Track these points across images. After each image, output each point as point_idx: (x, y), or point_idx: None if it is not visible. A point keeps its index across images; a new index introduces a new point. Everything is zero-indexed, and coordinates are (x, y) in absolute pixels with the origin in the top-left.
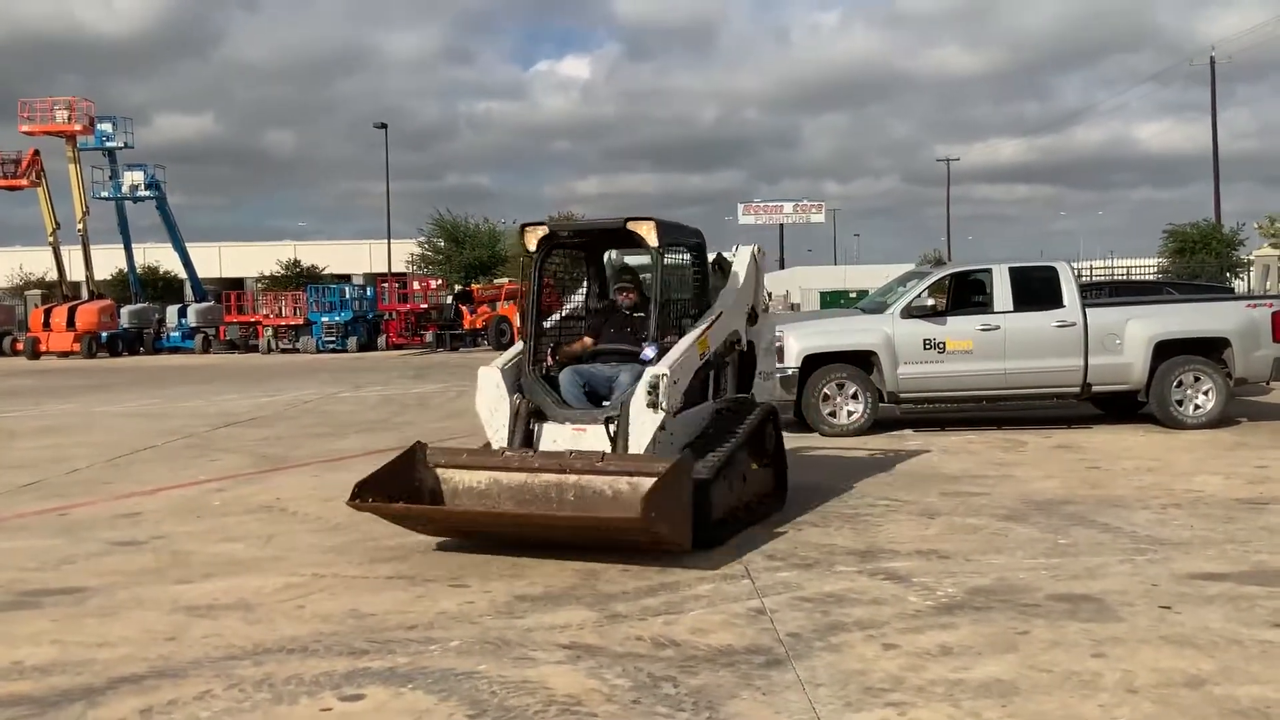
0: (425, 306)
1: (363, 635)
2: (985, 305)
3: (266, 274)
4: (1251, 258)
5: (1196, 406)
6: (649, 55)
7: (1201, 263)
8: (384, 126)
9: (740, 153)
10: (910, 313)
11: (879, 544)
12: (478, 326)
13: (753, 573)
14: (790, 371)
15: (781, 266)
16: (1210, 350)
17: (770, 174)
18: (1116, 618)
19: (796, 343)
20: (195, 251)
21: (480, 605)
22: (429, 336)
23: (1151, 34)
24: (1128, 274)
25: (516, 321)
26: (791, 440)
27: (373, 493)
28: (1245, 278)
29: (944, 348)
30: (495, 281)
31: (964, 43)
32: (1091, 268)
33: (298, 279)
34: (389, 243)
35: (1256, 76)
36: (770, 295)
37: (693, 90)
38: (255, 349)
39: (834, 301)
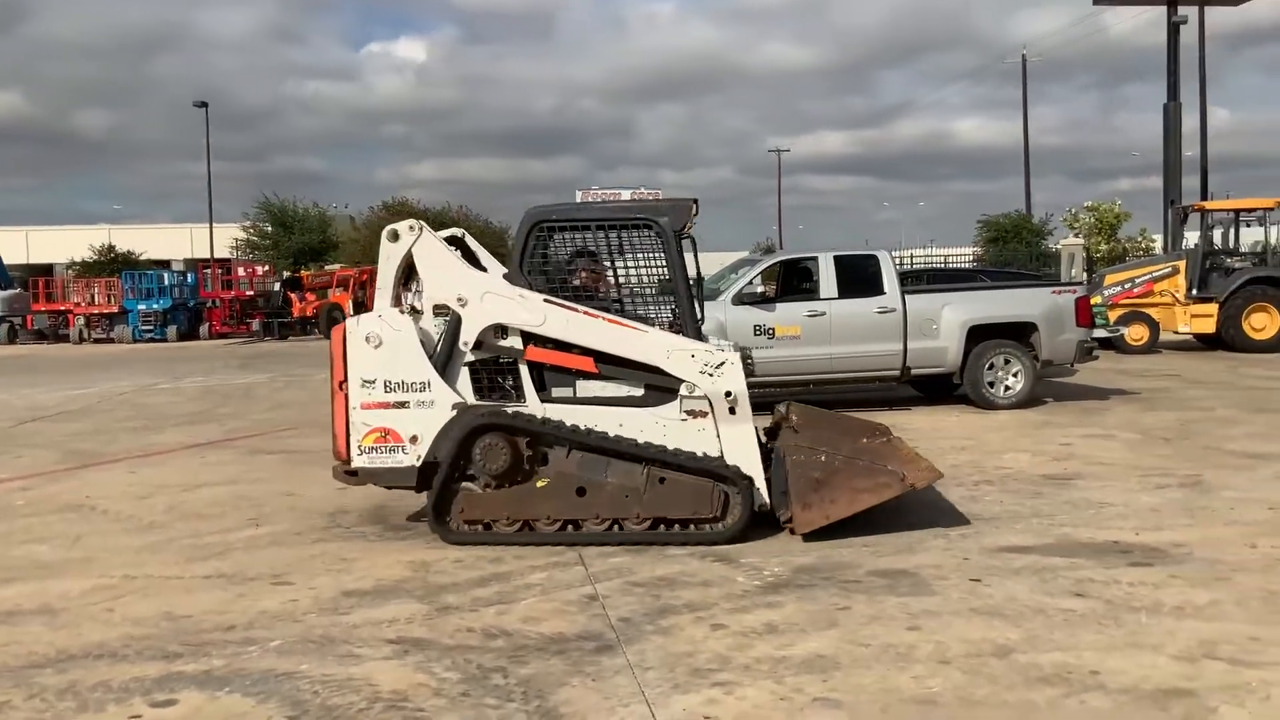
0: (251, 294)
1: (177, 638)
2: (812, 292)
3: (78, 259)
4: (1058, 247)
5: (1007, 388)
6: (486, 40)
7: (1013, 251)
8: (204, 106)
9: (579, 140)
10: (741, 299)
11: None
12: (308, 314)
13: (586, 559)
14: None
15: None
16: (1019, 334)
17: (608, 162)
18: (931, 592)
19: None
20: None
21: (304, 603)
22: (256, 325)
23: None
24: (945, 262)
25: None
26: None
27: None
28: (1053, 265)
29: (773, 333)
30: (326, 268)
31: (795, 38)
32: (912, 256)
33: (113, 265)
34: (211, 227)
35: (1064, 75)
36: None
37: (531, 77)
38: (66, 339)
39: None
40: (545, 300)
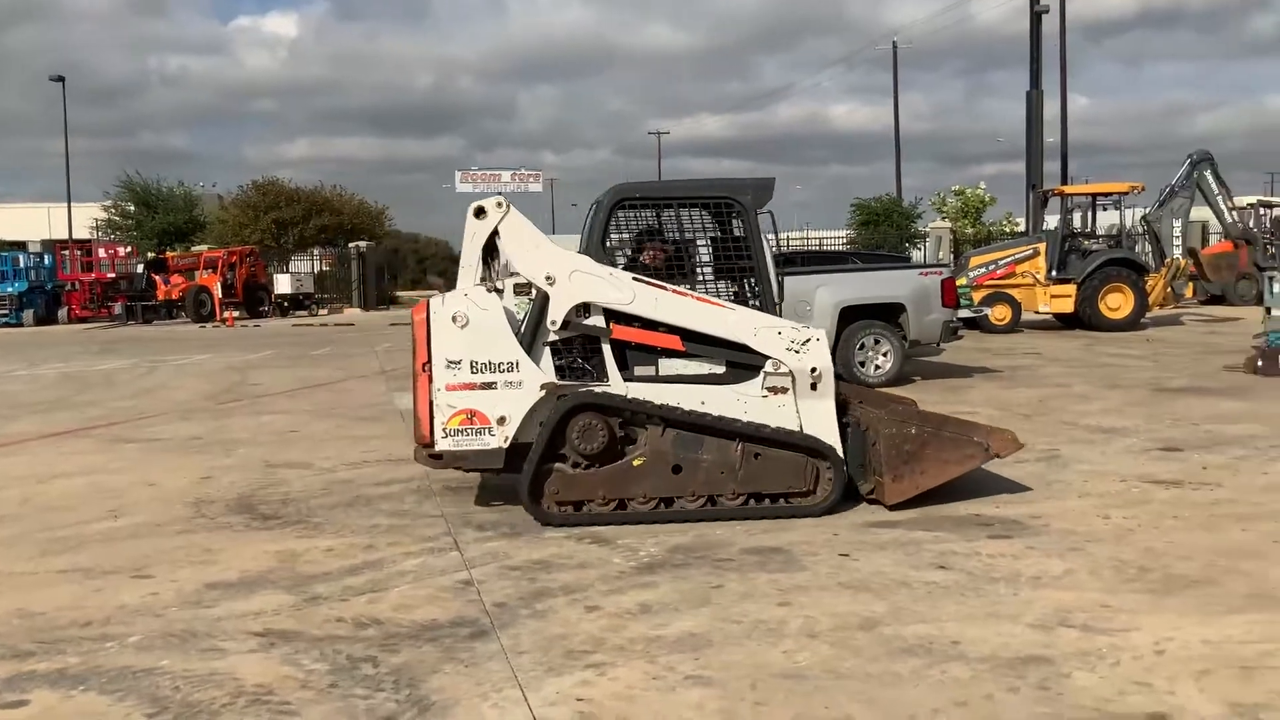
0: (113, 276)
1: (29, 636)
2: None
3: None
4: (927, 230)
5: (877, 367)
6: (360, 16)
7: (884, 234)
8: (61, 80)
9: (457, 120)
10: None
11: None
12: (173, 297)
13: (461, 544)
14: None
15: None
16: (889, 315)
17: (488, 142)
18: (801, 567)
19: None
20: None
21: (165, 596)
22: (118, 308)
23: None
24: (820, 245)
25: (218, 292)
26: None
27: None
28: (922, 248)
29: None
30: (193, 249)
31: (674, 21)
32: (789, 239)
33: None
34: (70, 206)
35: (934, 62)
36: None
37: (407, 55)
38: None
39: None
40: (634, 279)
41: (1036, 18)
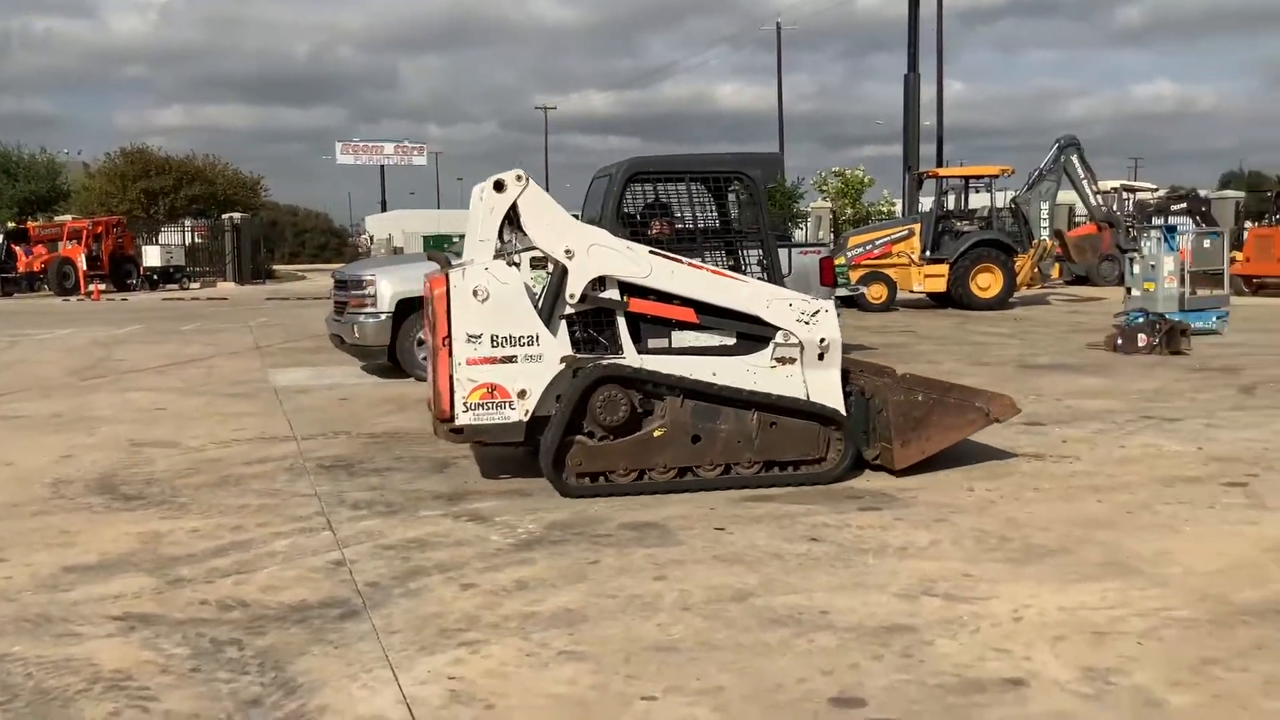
0: None
1: None
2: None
3: None
4: (809, 209)
5: None
6: None
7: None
8: None
9: (338, 90)
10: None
11: (466, 486)
12: (35, 269)
13: (334, 524)
14: (383, 316)
15: (383, 209)
16: None
17: (370, 113)
18: (678, 542)
19: (390, 287)
20: None
21: (19, 580)
22: None
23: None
24: None
25: (82, 264)
26: (388, 387)
27: None
28: (804, 227)
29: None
30: (56, 219)
31: None
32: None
33: None
34: None
35: (818, 44)
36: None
37: (284, 21)
38: None
39: (438, 246)
40: (651, 252)
41: (914, 2)
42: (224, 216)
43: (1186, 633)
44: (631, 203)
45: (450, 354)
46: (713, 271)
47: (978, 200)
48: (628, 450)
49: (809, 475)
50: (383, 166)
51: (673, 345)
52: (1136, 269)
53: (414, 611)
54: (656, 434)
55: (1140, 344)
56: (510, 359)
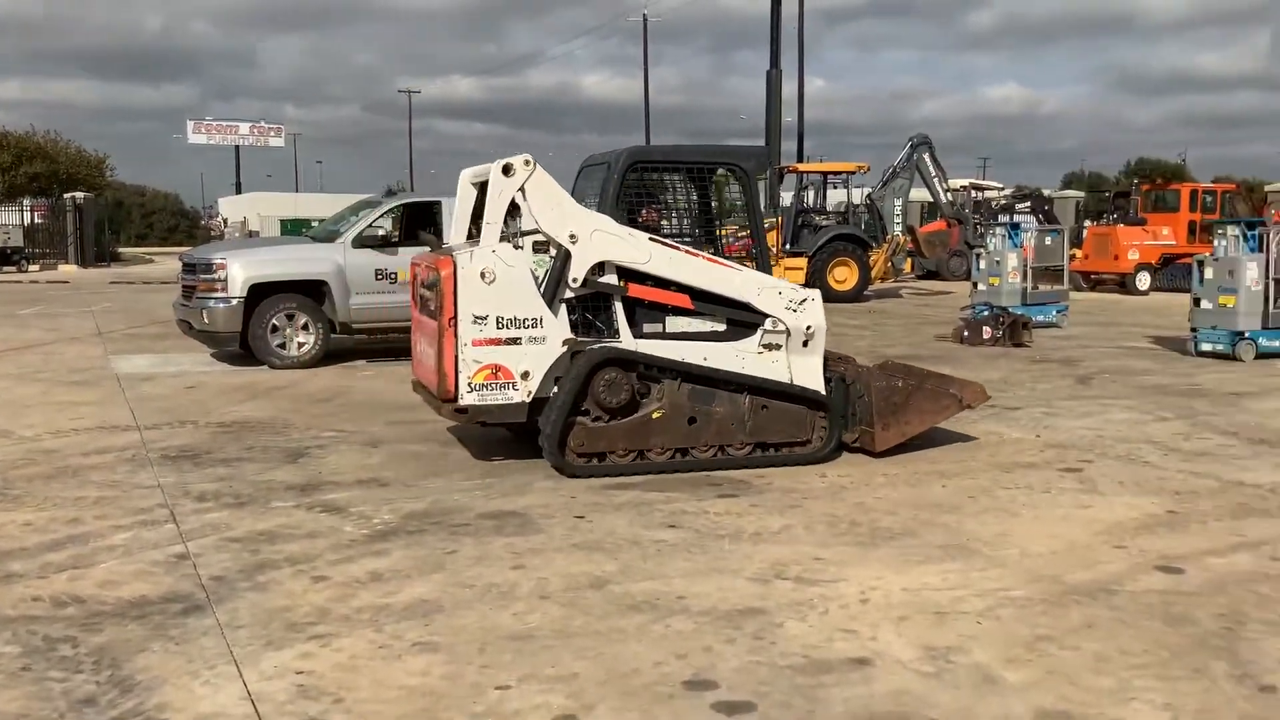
0: None
1: None
2: (436, 236)
3: None
4: None
5: None
6: None
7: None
8: None
9: (192, 67)
10: (362, 242)
11: (321, 476)
12: None
13: (179, 516)
14: (235, 302)
15: (238, 191)
16: None
17: (225, 92)
18: (537, 530)
19: (242, 271)
20: None
21: None
22: None
23: None
24: None
25: None
26: (239, 375)
27: None
28: None
29: (396, 278)
30: None
31: None
32: None
33: None
34: None
35: (684, 37)
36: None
37: None
38: None
39: (295, 230)
40: (650, 239)
41: (776, 1)
42: (66, 196)
43: (1022, 612)
44: (634, 190)
45: (456, 335)
46: (708, 259)
47: (836, 196)
48: (627, 431)
49: (796, 456)
50: (238, 147)
51: (667, 330)
52: (982, 264)
53: (261, 605)
54: (655, 416)
55: (985, 336)
56: (515, 340)
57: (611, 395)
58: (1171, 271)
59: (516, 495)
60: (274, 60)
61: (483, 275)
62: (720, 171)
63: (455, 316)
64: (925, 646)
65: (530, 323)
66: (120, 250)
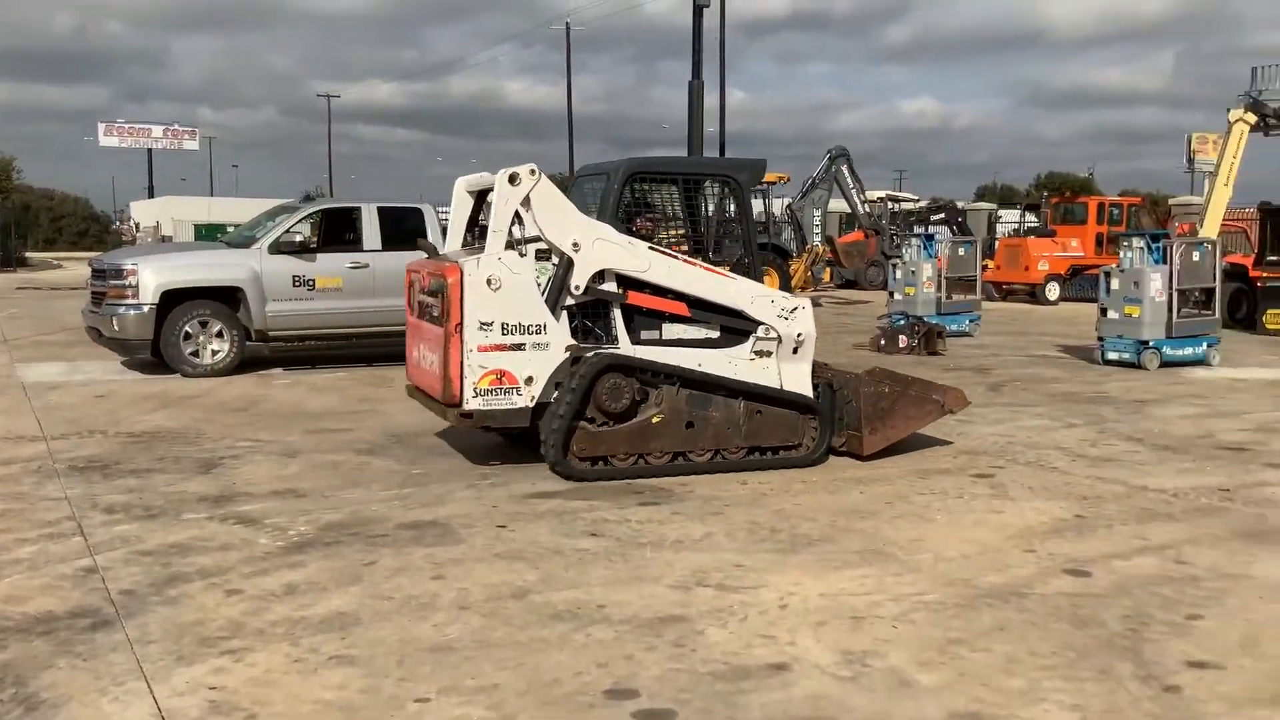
0: None
1: None
2: (356, 243)
3: None
4: None
5: None
6: None
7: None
8: None
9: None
10: (279, 248)
11: (235, 487)
12: None
13: (86, 529)
14: (146, 308)
15: (151, 195)
16: None
17: (138, 94)
18: (458, 540)
19: (153, 278)
20: None
21: None
22: None
23: None
24: None
25: None
26: (150, 383)
27: None
28: None
29: (314, 285)
30: None
31: None
32: None
33: None
34: None
35: (607, 46)
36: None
37: None
38: None
39: (210, 234)
40: (650, 248)
41: (698, 11)
42: None
43: (936, 615)
44: (633, 200)
45: (461, 341)
46: (705, 268)
47: (756, 206)
48: (627, 435)
49: (788, 459)
50: (150, 150)
51: (663, 337)
52: (899, 274)
53: (173, 620)
54: (655, 420)
55: (901, 345)
56: (519, 346)
57: (614, 400)
58: (1080, 282)
59: (437, 505)
60: (188, 62)
61: (489, 282)
62: (712, 183)
63: (461, 322)
64: (842, 651)
65: (535, 329)
66: (27, 255)
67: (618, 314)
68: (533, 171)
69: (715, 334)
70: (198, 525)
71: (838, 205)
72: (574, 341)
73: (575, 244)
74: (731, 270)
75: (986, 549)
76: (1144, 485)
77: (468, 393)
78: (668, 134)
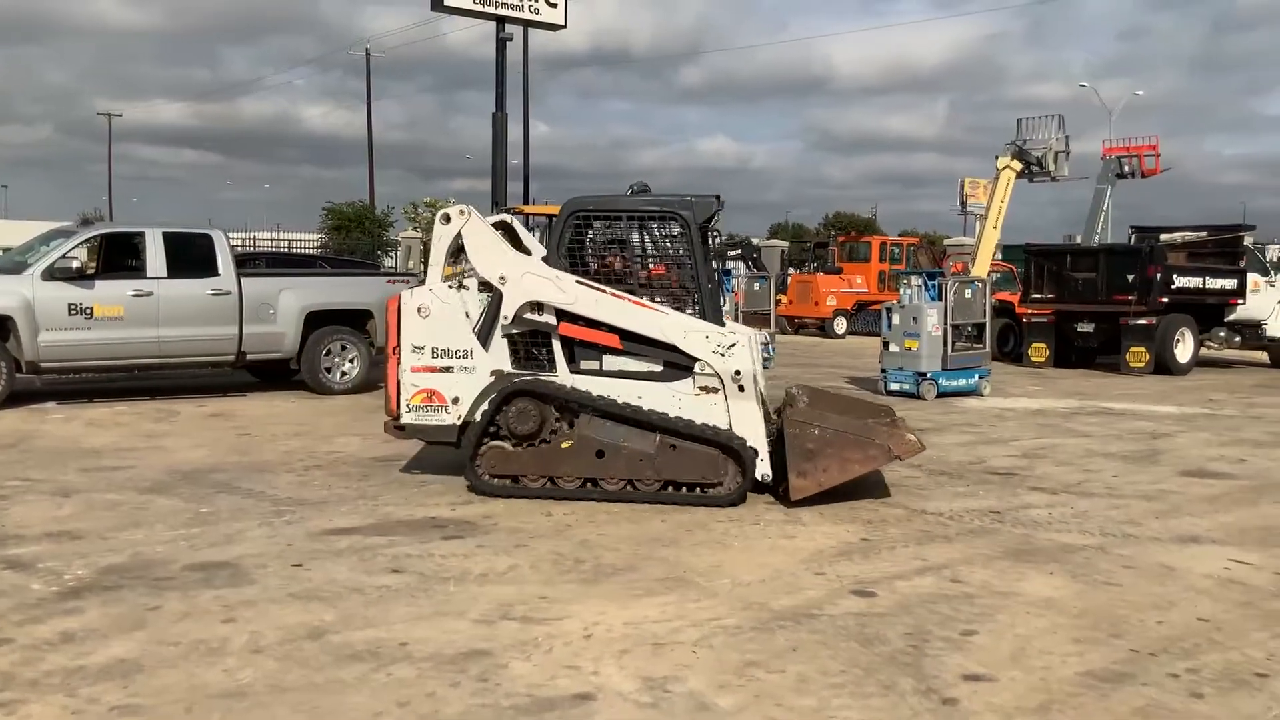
0: None
1: None
2: (139, 270)
3: None
4: (399, 238)
5: (343, 373)
6: None
7: (357, 240)
8: None
9: None
10: (53, 274)
11: (4, 530)
12: None
13: None
14: None
15: None
16: (356, 321)
17: None
18: (250, 581)
19: None
20: None
21: None
22: None
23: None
24: (289, 247)
25: None
26: None
27: None
28: (394, 256)
29: (92, 313)
30: None
31: None
32: (255, 239)
33: None
34: None
35: (409, 74)
36: None
37: None
38: None
39: None
40: (577, 282)
41: (501, 44)
42: None
43: (733, 639)
44: (575, 238)
45: (399, 361)
46: (634, 302)
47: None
48: (535, 458)
49: (708, 498)
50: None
51: (604, 368)
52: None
53: None
54: (564, 445)
55: None
56: (447, 369)
57: (520, 423)
58: (865, 317)
59: (227, 545)
60: None
61: (419, 310)
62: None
63: (399, 345)
64: (644, 678)
65: (461, 354)
66: None
67: (557, 344)
68: (462, 212)
69: (659, 368)
70: None
71: None
72: (509, 368)
73: (502, 278)
74: (685, 308)
75: (780, 573)
76: (923, 509)
77: (403, 408)
78: (472, 164)
